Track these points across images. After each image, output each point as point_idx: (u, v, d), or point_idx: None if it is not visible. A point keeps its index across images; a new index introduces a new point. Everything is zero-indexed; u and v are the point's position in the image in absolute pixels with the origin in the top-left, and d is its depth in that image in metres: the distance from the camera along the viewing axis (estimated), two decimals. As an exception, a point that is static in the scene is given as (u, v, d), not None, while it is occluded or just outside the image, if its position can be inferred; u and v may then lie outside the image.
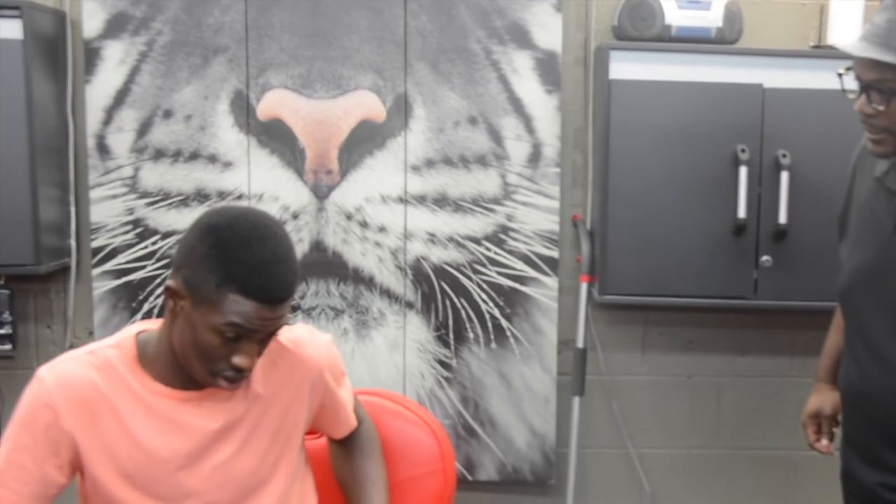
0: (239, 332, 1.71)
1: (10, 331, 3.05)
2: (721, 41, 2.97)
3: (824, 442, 2.38)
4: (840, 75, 2.02)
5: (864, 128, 1.98)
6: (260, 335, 1.75)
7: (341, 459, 2.10)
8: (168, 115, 3.07)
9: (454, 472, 2.15)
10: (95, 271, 3.12)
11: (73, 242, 3.14)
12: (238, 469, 1.88)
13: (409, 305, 3.14)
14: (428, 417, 2.17)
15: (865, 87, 1.92)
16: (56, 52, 3.06)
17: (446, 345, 3.15)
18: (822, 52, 2.98)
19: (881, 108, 1.90)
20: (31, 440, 1.80)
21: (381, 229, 3.10)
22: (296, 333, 1.98)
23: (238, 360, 1.74)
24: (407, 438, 2.16)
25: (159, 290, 3.09)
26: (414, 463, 2.13)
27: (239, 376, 1.78)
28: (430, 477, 2.11)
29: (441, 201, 3.10)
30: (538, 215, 3.12)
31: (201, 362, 1.76)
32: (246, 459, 1.88)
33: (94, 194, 3.10)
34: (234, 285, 1.68)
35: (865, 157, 2.13)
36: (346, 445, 2.10)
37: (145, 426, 1.81)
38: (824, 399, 2.39)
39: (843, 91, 2.02)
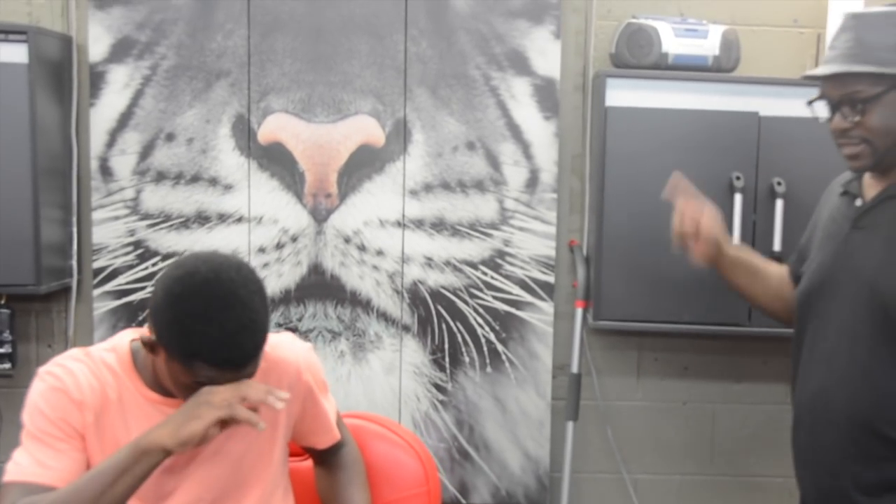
0: (214, 383, 1.75)
1: (9, 350, 3.09)
2: (718, 69, 3.00)
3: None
4: (810, 103, 2.13)
5: (840, 145, 2.07)
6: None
7: (325, 481, 2.12)
8: (170, 138, 3.11)
9: (439, 495, 2.16)
10: (96, 291, 3.15)
11: (74, 263, 3.17)
12: (215, 471, 1.91)
13: (406, 329, 3.16)
14: (413, 440, 2.19)
15: (837, 105, 2.03)
16: (62, 76, 3.11)
17: (442, 368, 3.17)
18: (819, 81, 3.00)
19: (857, 118, 2.00)
20: (55, 427, 1.81)
21: (379, 253, 3.13)
22: (275, 338, 2.00)
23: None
24: (392, 461, 2.17)
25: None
26: (399, 486, 2.14)
27: None
28: (415, 500, 2.12)
29: (438, 225, 3.13)
30: (535, 240, 3.15)
31: (181, 394, 1.79)
32: (223, 461, 1.91)
33: (96, 216, 3.13)
34: (200, 358, 1.70)
35: (830, 192, 2.25)
36: (330, 466, 2.12)
37: (140, 428, 1.83)
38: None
39: (816, 118, 2.12)
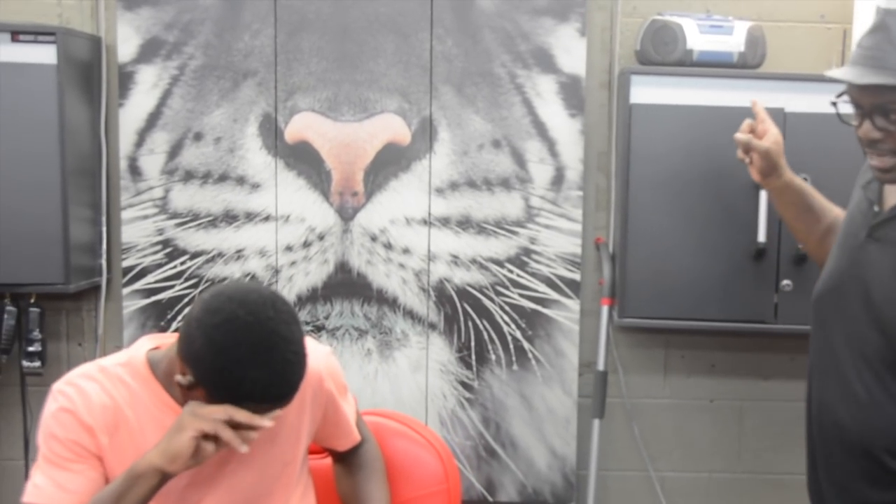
0: None
1: (39, 348, 3.12)
2: (743, 66, 2.99)
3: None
4: (834, 103, 2.01)
5: (869, 154, 1.96)
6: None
7: (345, 479, 2.13)
8: (198, 137, 3.13)
9: (459, 493, 2.16)
10: (125, 290, 3.18)
11: (103, 262, 3.20)
12: (240, 481, 1.92)
13: (432, 327, 3.17)
14: (433, 438, 2.19)
15: (868, 113, 1.90)
16: (91, 76, 3.14)
17: (468, 366, 3.18)
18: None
19: (892, 128, 1.87)
20: (68, 450, 1.82)
21: (406, 251, 3.14)
22: None
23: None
24: (411, 459, 2.17)
25: (187, 311, 3.14)
26: (418, 483, 2.14)
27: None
28: (435, 497, 2.12)
29: (464, 223, 3.14)
30: (561, 238, 3.15)
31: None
32: (248, 471, 1.92)
33: (125, 215, 3.16)
34: (251, 399, 1.70)
35: (862, 175, 2.14)
36: (350, 465, 2.12)
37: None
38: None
39: (841, 119, 2.02)
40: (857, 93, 1.91)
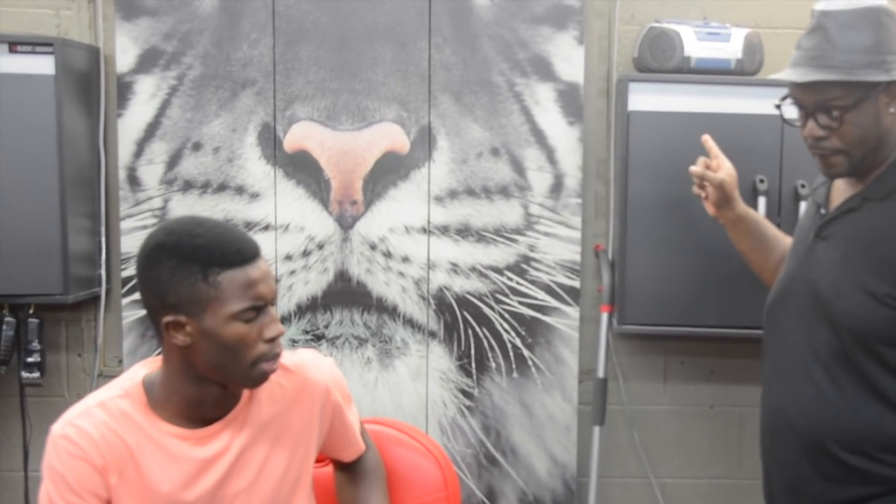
0: (254, 305, 1.74)
1: (38, 359, 3.11)
2: (741, 72, 3.00)
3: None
4: (778, 106, 2.09)
5: (813, 153, 2.02)
6: (269, 297, 1.78)
7: (346, 488, 2.11)
8: (197, 147, 3.13)
9: (458, 501, 2.14)
10: (125, 300, 3.17)
11: (103, 272, 3.20)
12: (257, 496, 1.89)
13: (432, 335, 3.17)
14: (432, 445, 2.18)
15: (811, 112, 1.97)
16: (89, 87, 3.14)
17: (468, 374, 3.18)
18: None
19: (834, 125, 1.94)
20: (80, 499, 1.78)
21: (405, 259, 3.14)
22: (299, 357, 1.99)
23: (269, 332, 1.76)
24: (410, 466, 2.16)
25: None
26: (418, 491, 2.12)
27: (276, 350, 1.79)
28: (435, 505, 2.11)
29: (464, 231, 3.14)
30: (560, 245, 3.15)
31: (240, 359, 1.75)
32: (264, 485, 1.89)
33: (124, 225, 3.16)
34: (215, 267, 1.71)
35: (811, 186, 2.24)
36: (352, 473, 2.10)
37: (168, 473, 1.80)
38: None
39: (785, 122, 2.09)
40: (799, 93, 1.98)
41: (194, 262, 1.71)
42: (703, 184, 2.45)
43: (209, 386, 1.80)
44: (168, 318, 1.73)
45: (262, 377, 1.79)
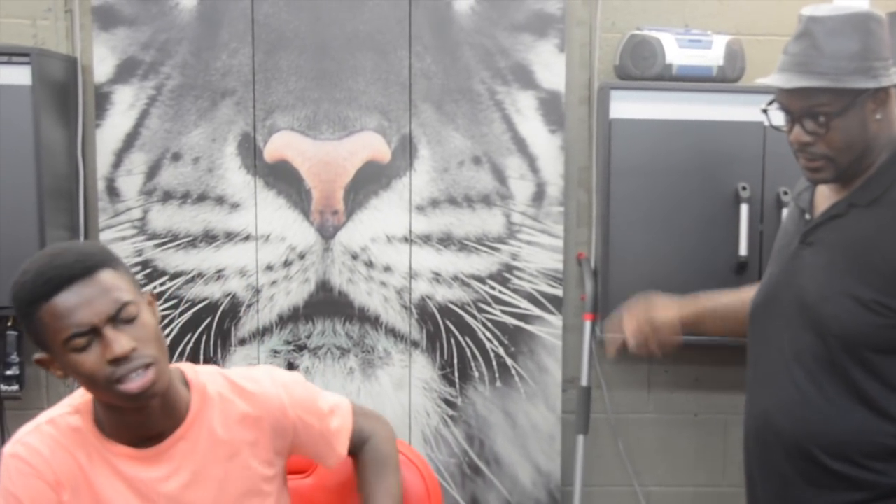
0: (76, 333, 1.64)
1: (17, 372, 3.08)
2: (723, 80, 3.00)
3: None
4: (765, 111, 2.09)
5: (799, 157, 2.02)
6: (91, 322, 1.64)
7: (356, 475, 2.06)
8: (176, 157, 3.11)
9: (440, 511, 2.14)
10: (105, 312, 3.14)
11: (82, 284, 3.16)
12: None
13: (415, 344, 3.15)
14: (414, 456, 2.16)
15: (798, 117, 1.96)
16: (67, 97, 3.11)
17: (451, 384, 3.16)
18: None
19: (822, 131, 1.93)
20: None
21: (387, 269, 3.13)
22: (253, 373, 1.93)
23: (110, 353, 1.64)
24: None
25: (167, 331, 3.12)
26: (400, 502, 2.11)
27: (130, 366, 1.66)
28: (417, 515, 2.09)
29: (446, 241, 3.13)
30: (542, 254, 3.14)
31: (95, 384, 1.67)
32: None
33: (103, 236, 3.13)
34: (36, 303, 1.64)
35: (795, 191, 2.22)
36: (357, 462, 2.03)
37: (120, 491, 1.77)
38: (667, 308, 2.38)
39: (772, 127, 2.10)
40: (786, 98, 1.98)
41: (22, 301, 1.66)
42: (645, 341, 2.40)
43: (122, 409, 1.74)
44: (36, 356, 1.71)
45: (131, 397, 1.68)
